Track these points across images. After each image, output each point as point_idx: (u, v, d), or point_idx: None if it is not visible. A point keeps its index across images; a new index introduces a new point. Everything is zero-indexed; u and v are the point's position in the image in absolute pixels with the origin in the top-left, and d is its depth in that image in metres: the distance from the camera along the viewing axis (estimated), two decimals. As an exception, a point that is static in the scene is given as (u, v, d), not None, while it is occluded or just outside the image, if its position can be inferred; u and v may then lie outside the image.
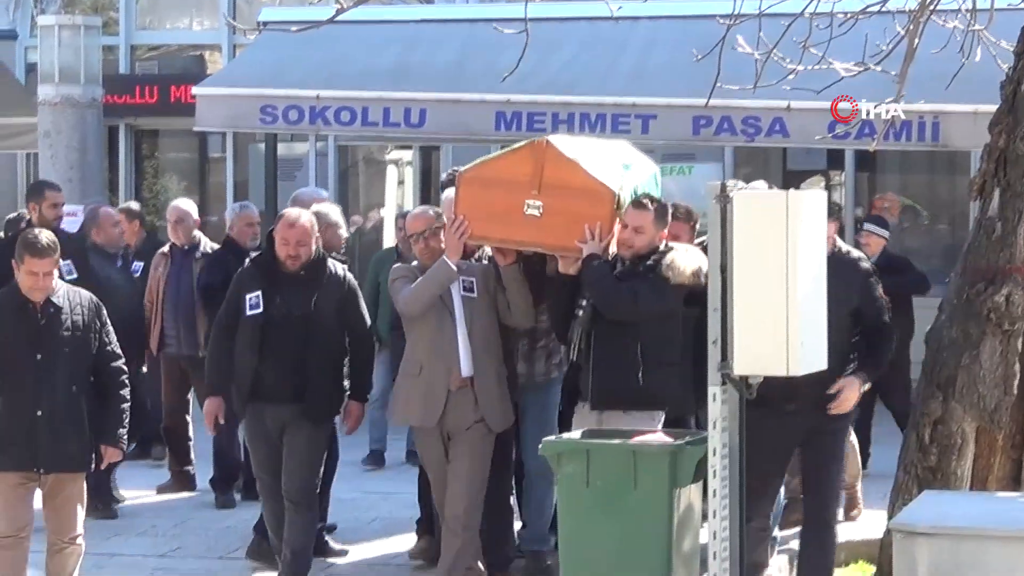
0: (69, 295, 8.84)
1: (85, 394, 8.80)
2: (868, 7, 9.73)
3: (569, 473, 7.87)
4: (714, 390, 7.62)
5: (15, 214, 14.42)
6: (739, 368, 7.59)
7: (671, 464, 7.68)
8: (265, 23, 18.42)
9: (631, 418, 8.34)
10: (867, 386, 9.09)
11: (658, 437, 8.07)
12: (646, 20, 15.65)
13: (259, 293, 9.11)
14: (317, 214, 10.36)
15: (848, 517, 11.28)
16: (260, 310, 9.11)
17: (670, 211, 9.10)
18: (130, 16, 21.82)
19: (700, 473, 7.74)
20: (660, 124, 15.81)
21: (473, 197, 8.62)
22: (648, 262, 8.51)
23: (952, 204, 18.63)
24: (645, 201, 8.66)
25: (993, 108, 9.65)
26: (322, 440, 9.72)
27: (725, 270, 7.57)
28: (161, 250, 13.84)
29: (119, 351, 9.08)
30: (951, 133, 14.22)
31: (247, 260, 10.53)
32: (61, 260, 8.84)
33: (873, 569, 9.86)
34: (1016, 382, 9.21)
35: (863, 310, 9.10)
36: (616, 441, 8.02)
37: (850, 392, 8.77)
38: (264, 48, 18.14)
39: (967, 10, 9.75)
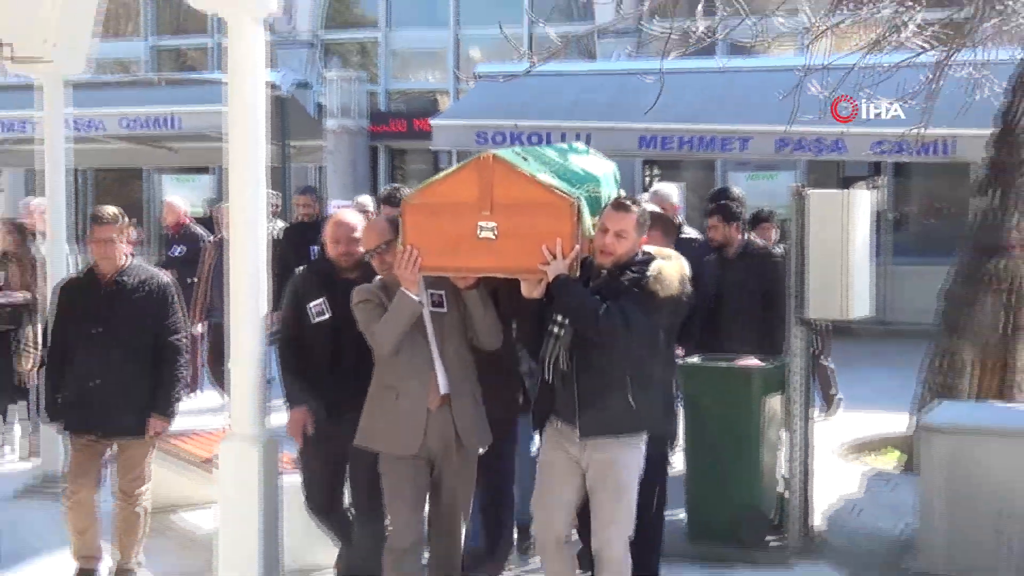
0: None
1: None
2: (901, 63, 9.67)
3: (692, 387, 7.63)
4: (794, 329, 7.62)
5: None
6: (811, 314, 7.60)
7: (762, 380, 7.60)
8: (480, 75, 18.60)
9: (619, 443, 5.56)
10: None
11: (753, 361, 7.72)
12: (746, 71, 15.62)
13: (323, 300, 6.24)
14: None
15: None
16: (328, 315, 6.23)
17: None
18: (387, 71, 22.10)
19: (781, 386, 7.68)
20: (754, 144, 15.83)
21: (421, 225, 5.63)
22: (631, 273, 5.53)
23: (956, 201, 18.21)
24: (627, 202, 5.64)
25: (989, 131, 9.59)
26: None
27: (803, 246, 7.56)
28: (212, 239, 11.99)
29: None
30: (961, 149, 14.00)
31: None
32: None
33: (897, 454, 9.95)
34: (1001, 323, 9.21)
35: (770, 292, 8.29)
36: (724, 364, 7.74)
37: None
38: (479, 92, 18.30)
39: (973, 63, 9.68)
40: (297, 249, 10.43)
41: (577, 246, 5.49)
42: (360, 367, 6.01)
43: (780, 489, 7.83)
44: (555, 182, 5.62)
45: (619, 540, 5.58)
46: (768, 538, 7.68)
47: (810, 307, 7.56)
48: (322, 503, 6.47)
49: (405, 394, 5.76)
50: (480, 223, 5.50)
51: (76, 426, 6.70)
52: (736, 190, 9.56)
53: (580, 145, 6.95)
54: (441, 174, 5.84)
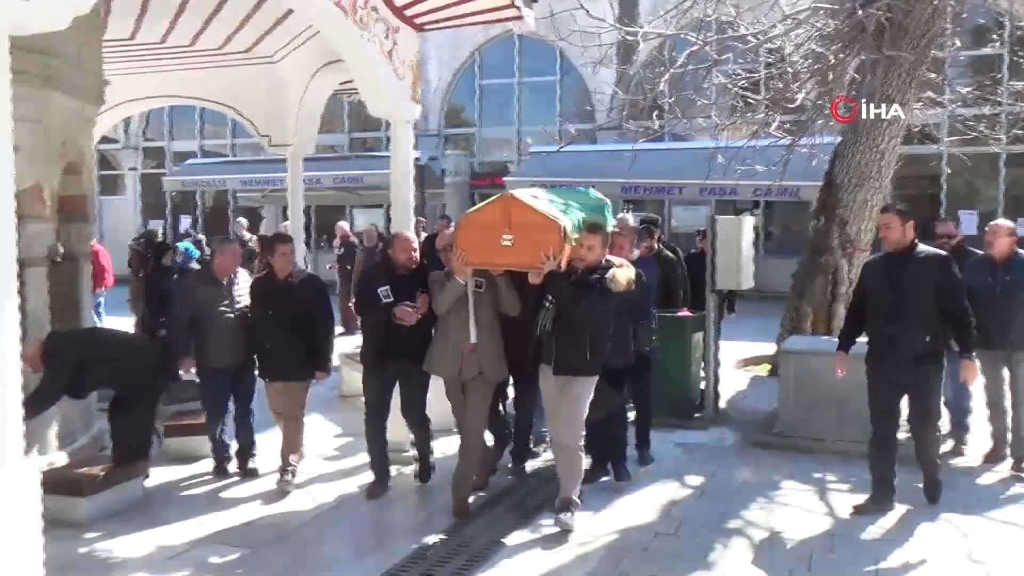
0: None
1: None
2: (768, 144, 9.60)
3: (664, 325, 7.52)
4: (709, 295, 7.54)
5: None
6: (719, 285, 7.52)
7: (694, 323, 7.54)
8: (531, 152, 18.52)
9: (578, 380, 5.09)
10: None
11: (686, 312, 7.55)
12: (681, 149, 15.46)
13: (388, 287, 5.58)
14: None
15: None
16: (392, 299, 5.54)
17: (611, 236, 5.46)
18: (479, 150, 21.96)
19: (702, 327, 7.61)
20: (687, 191, 15.68)
21: (468, 235, 5.30)
22: (595, 275, 5.09)
23: (800, 223, 17.93)
24: (596, 227, 5.22)
25: (819, 183, 9.45)
26: (427, 380, 5.72)
27: (714, 248, 7.47)
28: (361, 246, 11.86)
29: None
30: (803, 194, 13.79)
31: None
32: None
33: (768, 366, 9.75)
34: (826, 293, 9.07)
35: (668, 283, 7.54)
36: (670, 315, 7.39)
37: None
38: (531, 162, 18.21)
39: (810, 144, 9.57)
40: (432, 251, 10.54)
41: (562, 254, 5.07)
42: (407, 328, 5.50)
43: (702, 386, 7.78)
44: (549, 211, 5.16)
45: (570, 436, 5.08)
46: (695, 414, 7.64)
47: (718, 281, 7.49)
48: (373, 416, 5.72)
49: (452, 341, 5.39)
50: (503, 236, 5.17)
51: (263, 375, 6.04)
52: (652, 216, 9.33)
53: (592, 189, 6.72)
54: (479, 205, 5.51)
